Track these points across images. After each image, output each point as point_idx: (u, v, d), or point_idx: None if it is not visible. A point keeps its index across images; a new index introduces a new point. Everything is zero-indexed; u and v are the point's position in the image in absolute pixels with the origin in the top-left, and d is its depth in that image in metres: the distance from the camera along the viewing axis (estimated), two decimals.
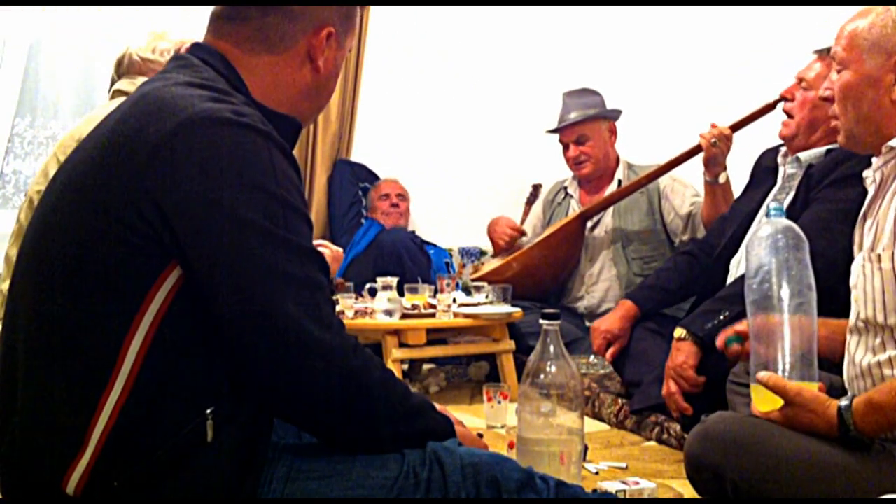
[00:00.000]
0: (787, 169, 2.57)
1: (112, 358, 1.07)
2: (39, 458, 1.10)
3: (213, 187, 1.07)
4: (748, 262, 1.59)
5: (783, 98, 2.62)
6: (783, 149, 2.62)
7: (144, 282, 1.08)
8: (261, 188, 1.10)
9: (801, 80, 2.56)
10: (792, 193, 2.50)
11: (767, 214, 1.61)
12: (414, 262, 3.74)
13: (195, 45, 1.27)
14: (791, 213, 2.45)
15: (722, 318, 2.32)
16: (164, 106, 1.12)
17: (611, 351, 2.84)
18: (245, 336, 1.09)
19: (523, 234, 3.80)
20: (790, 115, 2.57)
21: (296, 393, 1.13)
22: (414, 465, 1.17)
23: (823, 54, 2.49)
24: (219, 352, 1.11)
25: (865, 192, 1.65)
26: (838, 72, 1.63)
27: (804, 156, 2.52)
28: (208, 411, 1.09)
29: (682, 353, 2.40)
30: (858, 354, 1.58)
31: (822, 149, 2.49)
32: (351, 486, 1.15)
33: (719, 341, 1.81)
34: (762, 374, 1.50)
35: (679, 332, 2.43)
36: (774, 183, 2.62)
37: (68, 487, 1.08)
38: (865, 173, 1.65)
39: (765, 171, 2.71)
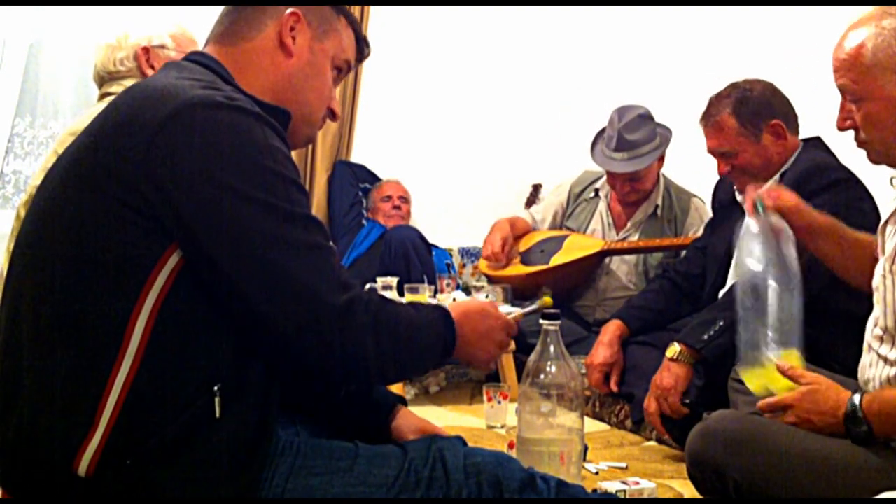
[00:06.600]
0: None
1: (118, 337, 1.09)
2: (49, 441, 1.11)
3: (213, 166, 1.11)
4: (739, 252, 1.63)
5: (722, 175, 2.56)
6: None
7: (147, 261, 1.11)
8: (258, 164, 1.14)
9: (713, 152, 2.52)
10: None
11: (755, 209, 1.66)
12: (422, 260, 3.70)
13: (189, 53, 1.33)
14: None
15: (718, 326, 2.30)
16: (156, 94, 1.16)
17: (612, 381, 2.80)
18: (262, 307, 1.12)
19: (507, 262, 3.63)
20: (737, 178, 2.53)
21: (321, 354, 1.15)
22: (416, 464, 1.19)
23: (702, 122, 2.52)
24: (224, 329, 1.14)
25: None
26: (855, 103, 1.57)
27: None
28: (216, 388, 1.12)
29: (672, 375, 2.35)
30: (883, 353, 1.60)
31: (776, 177, 2.44)
32: (352, 482, 1.17)
33: (749, 206, 1.73)
34: (780, 363, 1.52)
35: (673, 349, 2.38)
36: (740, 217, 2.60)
37: (80, 468, 1.09)
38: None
39: (726, 205, 2.70)
